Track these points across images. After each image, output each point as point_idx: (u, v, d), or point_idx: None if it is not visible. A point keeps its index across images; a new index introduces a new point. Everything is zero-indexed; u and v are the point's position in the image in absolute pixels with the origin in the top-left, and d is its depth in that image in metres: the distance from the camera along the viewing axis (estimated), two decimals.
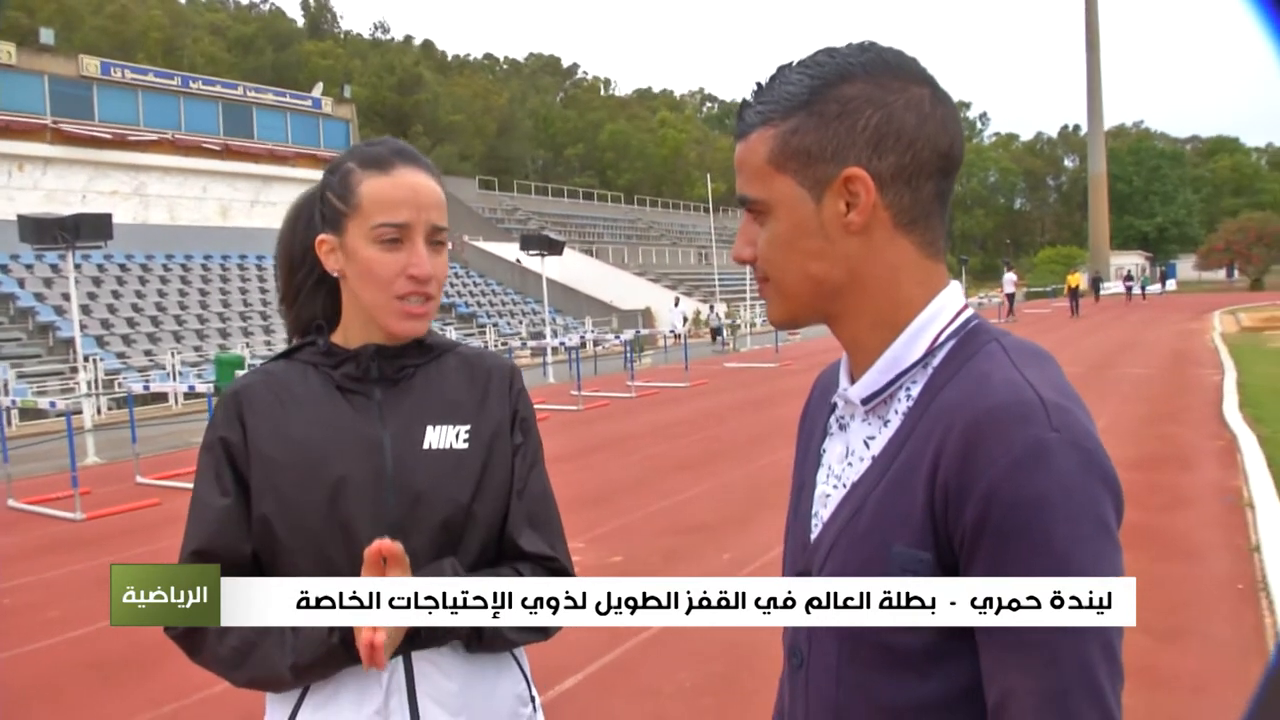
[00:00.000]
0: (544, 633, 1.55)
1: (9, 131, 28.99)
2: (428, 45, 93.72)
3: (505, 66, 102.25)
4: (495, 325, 32.39)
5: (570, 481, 9.57)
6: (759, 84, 1.09)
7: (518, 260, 35.52)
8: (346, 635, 1.39)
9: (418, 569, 1.43)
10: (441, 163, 63.07)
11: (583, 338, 21.39)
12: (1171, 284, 68.29)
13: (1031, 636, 0.92)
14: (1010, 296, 37.44)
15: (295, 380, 1.58)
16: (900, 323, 1.07)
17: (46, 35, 32.56)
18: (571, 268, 36.02)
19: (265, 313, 28.54)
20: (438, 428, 1.56)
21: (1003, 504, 0.91)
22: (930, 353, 1.06)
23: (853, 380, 1.12)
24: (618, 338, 21.64)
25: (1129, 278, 55.91)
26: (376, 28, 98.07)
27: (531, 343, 25.28)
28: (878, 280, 1.06)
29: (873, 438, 1.09)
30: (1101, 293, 53.36)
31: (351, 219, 1.52)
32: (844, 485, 1.11)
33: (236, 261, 31.50)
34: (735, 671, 4.54)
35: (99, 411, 17.43)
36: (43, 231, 14.05)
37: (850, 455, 1.12)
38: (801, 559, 1.14)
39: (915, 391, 1.06)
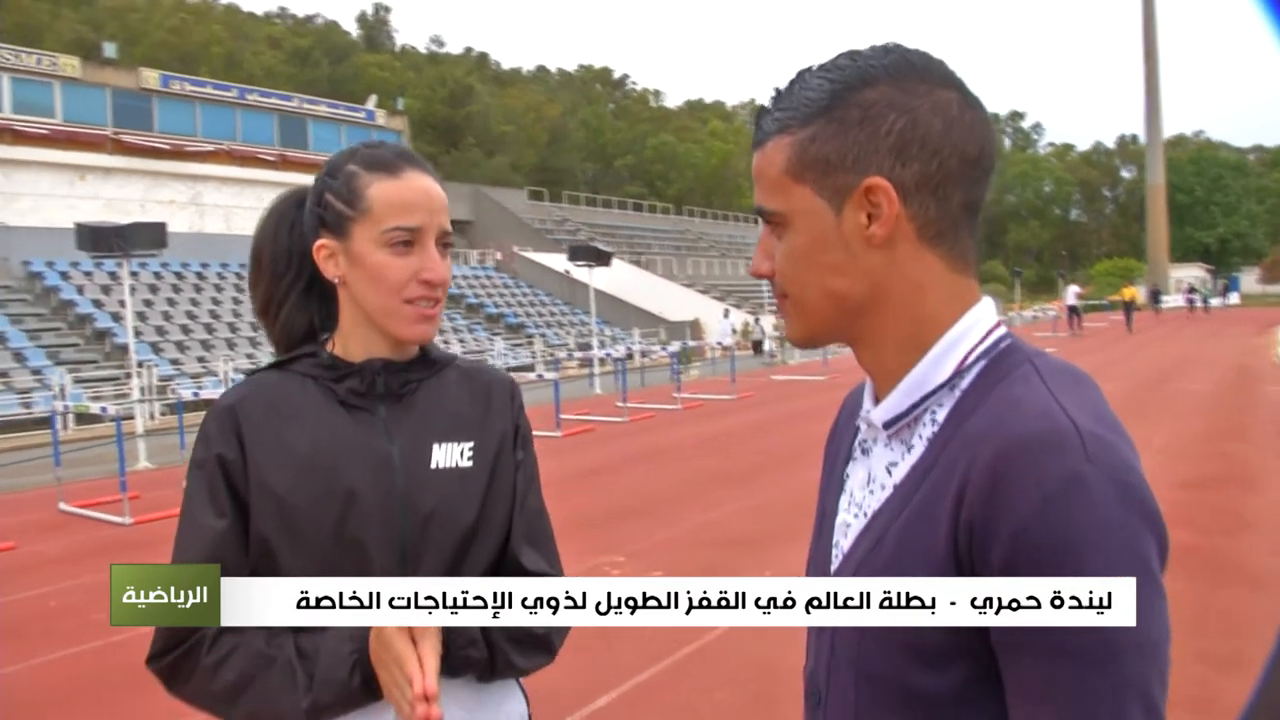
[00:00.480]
0: (549, 652, 1.52)
1: (72, 142, 29.79)
2: (481, 58, 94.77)
3: (557, 78, 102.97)
4: (543, 336, 32.50)
5: (612, 494, 9.53)
6: (777, 90, 1.03)
7: (566, 271, 35.63)
8: (368, 676, 1.36)
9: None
10: (492, 174, 63.67)
11: (629, 349, 21.35)
12: (1234, 297, 66.76)
13: (1064, 686, 0.84)
14: (1073, 309, 36.04)
15: (294, 392, 1.51)
16: (926, 342, 1.00)
17: (109, 49, 33.42)
18: (620, 278, 36.06)
19: None
20: (443, 445, 1.52)
21: (1033, 543, 0.84)
22: (958, 374, 0.99)
23: (877, 402, 1.05)
24: (664, 349, 21.56)
25: (1192, 290, 54.69)
26: (433, 41, 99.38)
27: (578, 354, 25.34)
28: (902, 297, 0.99)
29: (895, 464, 1.02)
30: (1162, 306, 52.22)
31: (359, 223, 1.47)
32: (865, 514, 1.04)
33: None
34: (774, 691, 4.42)
35: (151, 417, 17.70)
36: (99, 240, 14.29)
37: (872, 482, 1.05)
38: None
39: (941, 416, 0.98)
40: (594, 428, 14.34)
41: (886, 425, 1.03)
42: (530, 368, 24.35)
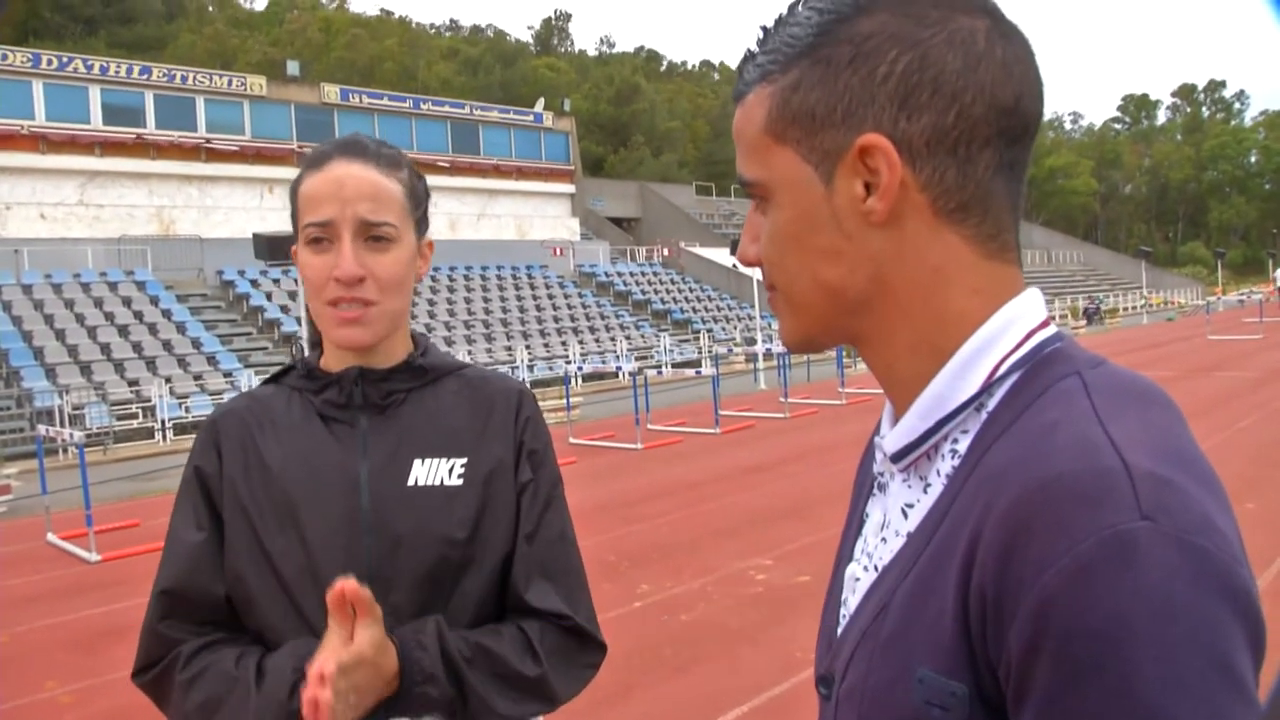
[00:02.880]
0: (545, 699, 1.37)
1: (260, 156, 31.59)
2: (648, 55, 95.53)
3: (720, 72, 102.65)
4: (710, 331, 32.29)
5: (767, 493, 9.19)
6: (764, 29, 0.81)
7: (733, 265, 35.30)
8: None
9: (398, 625, 1.31)
10: (660, 170, 63.92)
11: None
12: None
13: None
14: None
15: (278, 408, 1.46)
16: (948, 347, 0.76)
17: (293, 67, 35.21)
18: None
19: (488, 320, 29.61)
20: (427, 461, 1.41)
21: (1061, 629, 0.60)
22: (986, 389, 0.75)
23: (895, 423, 0.80)
24: None
25: None
26: (602, 43, 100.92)
27: (740, 348, 24.99)
28: (915, 288, 0.76)
29: (911, 505, 0.78)
30: None
31: (299, 223, 1.42)
32: (875, 568, 0.81)
33: (463, 272, 32.89)
34: None
35: None
36: (275, 248, 14.92)
37: (886, 527, 0.81)
38: (826, 658, 0.85)
39: (963, 446, 0.75)
40: (753, 424, 13.94)
41: (896, 457, 0.79)
42: (696, 363, 24.17)
